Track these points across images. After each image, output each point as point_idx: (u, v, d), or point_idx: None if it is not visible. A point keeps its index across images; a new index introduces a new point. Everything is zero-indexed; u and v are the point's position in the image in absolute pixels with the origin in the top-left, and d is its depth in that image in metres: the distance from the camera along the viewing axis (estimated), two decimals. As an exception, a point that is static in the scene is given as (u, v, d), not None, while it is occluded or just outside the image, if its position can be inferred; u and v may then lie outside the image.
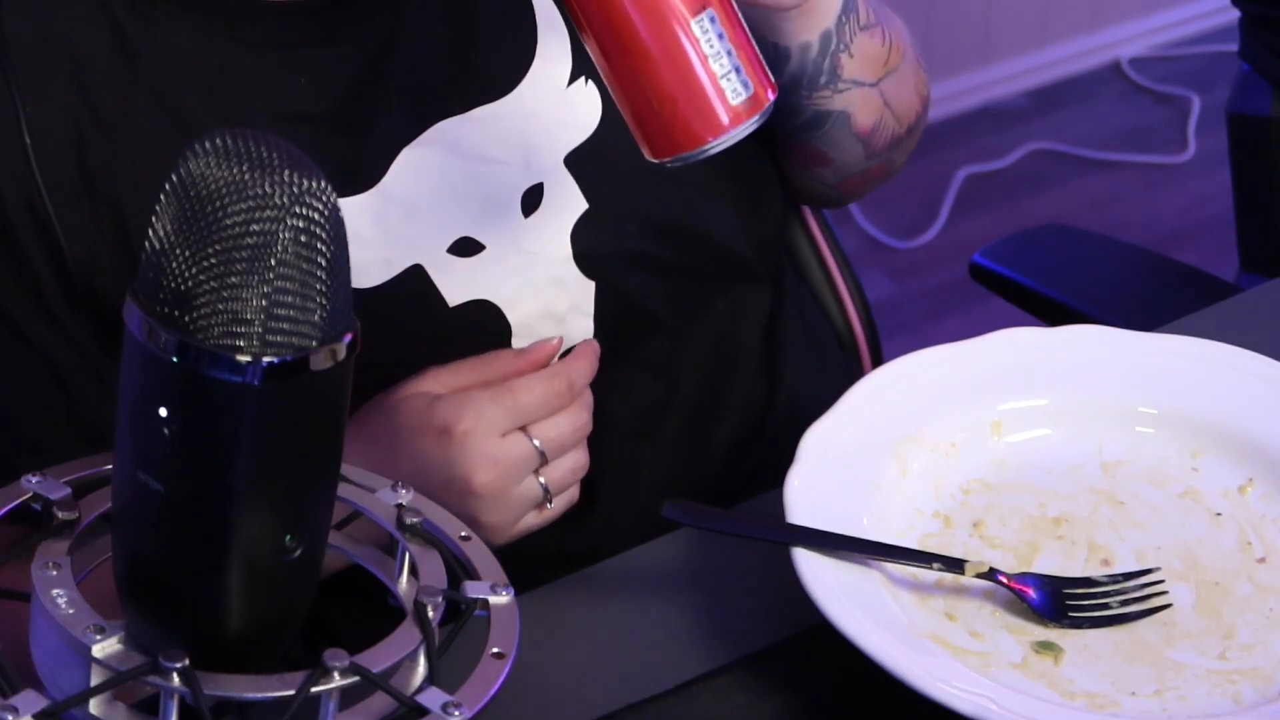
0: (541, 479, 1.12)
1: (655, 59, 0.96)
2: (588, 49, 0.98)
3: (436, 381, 1.12)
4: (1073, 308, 1.62)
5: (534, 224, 1.18)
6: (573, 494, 1.16)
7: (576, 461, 1.14)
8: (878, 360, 1.53)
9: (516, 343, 1.18)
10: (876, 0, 1.28)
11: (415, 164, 1.15)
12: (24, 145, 1.08)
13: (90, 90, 1.10)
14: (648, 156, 0.99)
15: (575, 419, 1.13)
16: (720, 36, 0.96)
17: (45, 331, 1.11)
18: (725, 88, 0.96)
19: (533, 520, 1.14)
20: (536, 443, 1.11)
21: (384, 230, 1.14)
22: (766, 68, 0.99)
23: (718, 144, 0.97)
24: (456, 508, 1.05)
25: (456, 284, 1.16)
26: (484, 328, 1.18)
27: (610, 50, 0.97)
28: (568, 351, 1.18)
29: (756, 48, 0.98)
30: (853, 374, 1.45)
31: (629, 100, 0.98)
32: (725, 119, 0.96)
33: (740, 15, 0.98)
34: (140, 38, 1.11)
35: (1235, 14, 1.85)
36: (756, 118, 0.97)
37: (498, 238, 1.17)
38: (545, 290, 1.18)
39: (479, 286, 1.17)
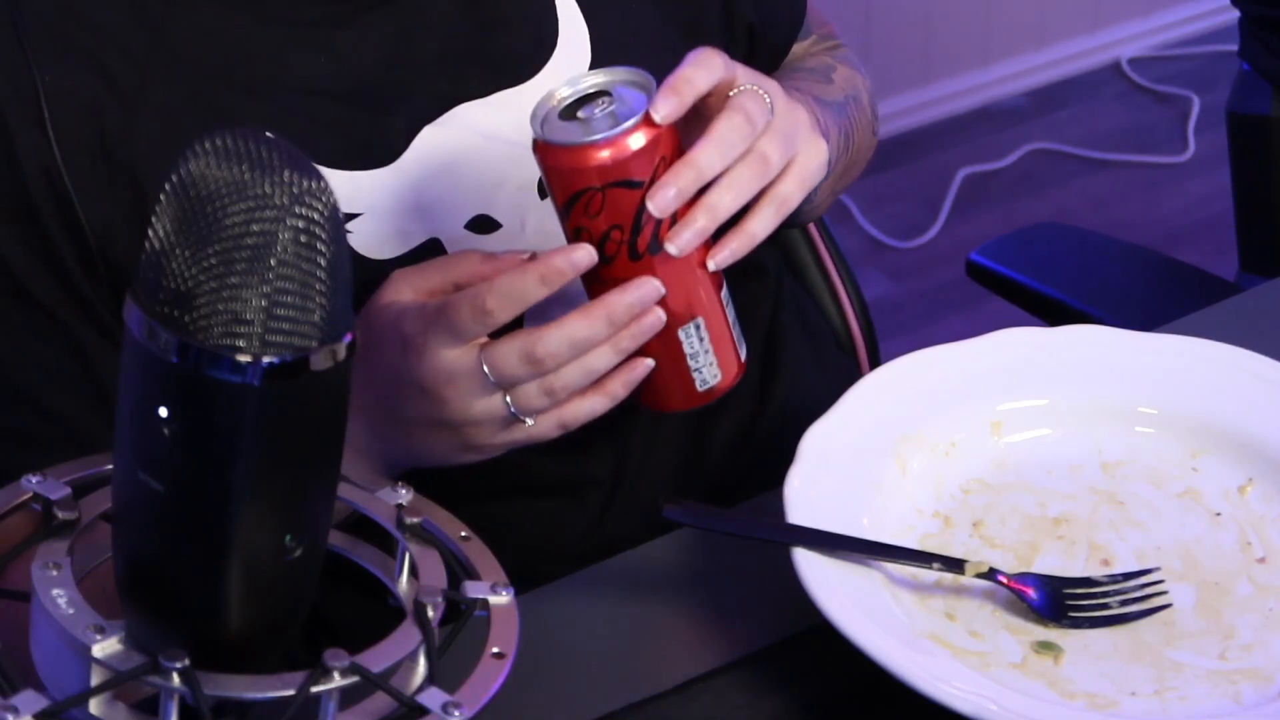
0: (506, 399, 1.06)
1: (642, 349, 1.06)
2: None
3: (406, 284, 1.09)
4: (1070, 305, 1.62)
5: (550, 206, 1.18)
6: (565, 416, 1.08)
7: (549, 385, 1.05)
8: (875, 361, 1.53)
9: (529, 322, 1.18)
10: (842, 74, 1.31)
11: (435, 143, 1.16)
12: (41, 114, 1.09)
13: (110, 62, 1.10)
14: None
15: (522, 345, 1.03)
16: (701, 339, 1.08)
17: (66, 305, 1.12)
18: (695, 379, 1.09)
19: (517, 435, 1.08)
20: (485, 369, 1.05)
21: (402, 204, 1.15)
22: (740, 345, 1.11)
23: (676, 413, 1.11)
24: (435, 413, 1.06)
25: None
26: None
27: None
28: None
29: (735, 331, 1.10)
30: (850, 374, 1.45)
31: None
32: (689, 401, 1.10)
33: (726, 306, 1.09)
34: (161, 12, 1.11)
35: (1235, 14, 1.85)
36: (718, 399, 1.10)
37: (514, 217, 1.18)
38: None
39: None
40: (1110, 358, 1.18)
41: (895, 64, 3.18)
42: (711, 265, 1.05)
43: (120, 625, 0.79)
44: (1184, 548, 1.09)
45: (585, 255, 1.03)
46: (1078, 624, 1.04)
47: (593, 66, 1.19)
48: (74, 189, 1.09)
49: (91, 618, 0.79)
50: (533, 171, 1.18)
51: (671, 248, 1.03)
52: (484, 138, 1.17)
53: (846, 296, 1.53)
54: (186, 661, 0.77)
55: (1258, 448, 1.13)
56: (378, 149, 1.15)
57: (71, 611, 0.79)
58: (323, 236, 0.75)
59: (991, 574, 1.04)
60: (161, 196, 0.75)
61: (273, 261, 0.74)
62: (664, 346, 1.07)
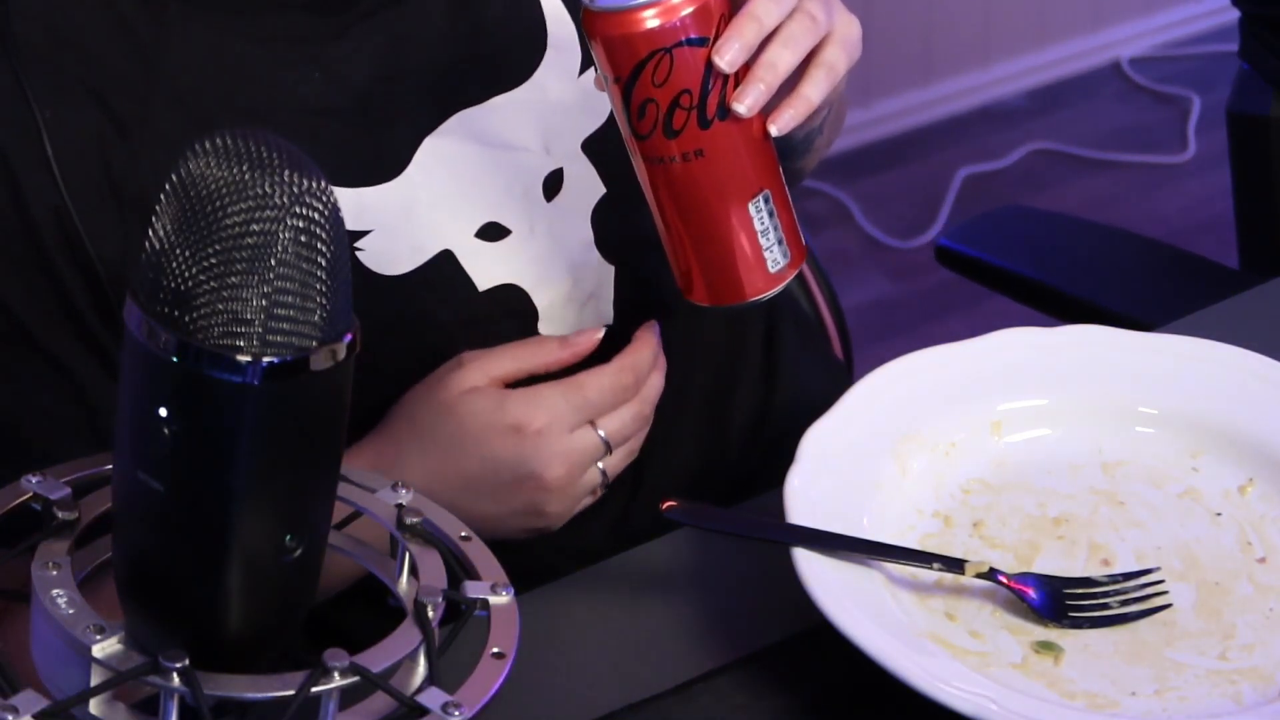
0: (601, 465, 1.14)
1: (713, 230, 1.05)
2: (648, 201, 1.05)
3: (481, 372, 1.13)
4: (1043, 282, 1.66)
5: (557, 208, 1.19)
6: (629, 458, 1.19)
7: (631, 446, 1.17)
8: (849, 352, 1.54)
9: (543, 327, 1.19)
10: None
11: (438, 153, 1.16)
12: (45, 153, 1.07)
13: (107, 95, 1.09)
14: (685, 296, 1.08)
15: (637, 409, 1.15)
16: (771, 214, 1.05)
17: (79, 353, 1.10)
18: (767, 258, 1.06)
19: (586, 503, 1.16)
20: (602, 434, 1.13)
21: (412, 218, 1.15)
22: (799, 228, 1.08)
23: (752, 303, 1.07)
24: (525, 500, 1.11)
25: (485, 268, 1.17)
26: (512, 311, 1.19)
27: (672, 213, 1.05)
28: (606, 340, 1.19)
29: (794, 211, 1.07)
30: (836, 366, 1.45)
31: (679, 253, 1.06)
32: (762, 284, 1.06)
33: (785, 183, 1.07)
34: (154, 39, 1.10)
35: (1235, 14, 1.85)
36: (789, 280, 1.07)
37: (523, 222, 1.18)
38: (570, 274, 1.20)
39: (507, 270, 1.18)
40: (1110, 358, 1.18)
41: (895, 64, 3.17)
42: (774, 130, 1.04)
43: (120, 625, 0.79)
44: (1184, 548, 1.09)
45: (652, 336, 1.16)
46: (1078, 624, 1.04)
47: (583, 64, 1.19)
48: (84, 229, 1.07)
49: (91, 618, 0.79)
50: (538, 174, 1.18)
51: (740, 107, 1.02)
52: (485, 144, 1.17)
53: (818, 289, 1.54)
54: (186, 661, 0.77)
55: (1258, 448, 1.13)
56: (382, 164, 1.15)
57: (71, 611, 0.79)
58: (323, 236, 0.75)
59: (991, 574, 1.04)
60: (161, 196, 0.75)
61: (273, 261, 0.74)
62: (735, 227, 1.05)
